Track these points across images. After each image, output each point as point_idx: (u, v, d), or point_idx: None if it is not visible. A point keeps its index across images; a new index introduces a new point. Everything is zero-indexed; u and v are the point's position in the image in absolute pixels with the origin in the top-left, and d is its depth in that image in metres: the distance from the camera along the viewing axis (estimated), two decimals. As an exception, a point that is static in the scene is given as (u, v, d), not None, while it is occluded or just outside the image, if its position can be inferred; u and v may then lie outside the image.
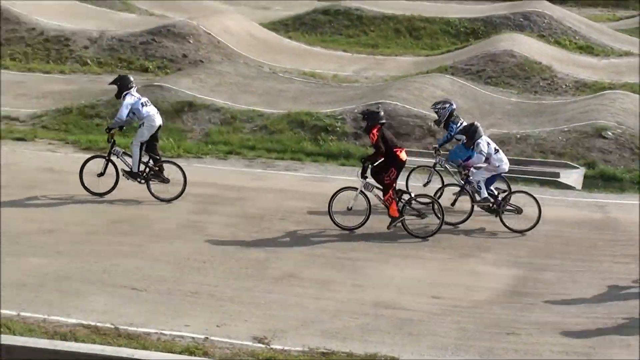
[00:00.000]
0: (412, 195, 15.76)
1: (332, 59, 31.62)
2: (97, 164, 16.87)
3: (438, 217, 15.61)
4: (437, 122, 17.68)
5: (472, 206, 16.27)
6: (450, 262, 14.40)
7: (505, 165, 16.40)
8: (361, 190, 15.62)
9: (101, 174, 16.84)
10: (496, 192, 16.24)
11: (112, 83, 17.25)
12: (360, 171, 15.58)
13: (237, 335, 11.29)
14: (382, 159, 15.39)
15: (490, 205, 16.16)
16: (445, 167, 17.28)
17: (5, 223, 14.85)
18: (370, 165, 15.46)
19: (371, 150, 16.21)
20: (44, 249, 13.87)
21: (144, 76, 27.16)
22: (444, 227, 15.59)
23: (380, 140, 15.34)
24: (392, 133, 17.18)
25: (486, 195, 16.09)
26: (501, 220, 15.99)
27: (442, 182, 17.27)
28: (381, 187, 15.51)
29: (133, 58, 29.29)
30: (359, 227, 15.59)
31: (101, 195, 16.76)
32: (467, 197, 16.34)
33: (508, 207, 16.27)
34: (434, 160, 17.56)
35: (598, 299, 12.88)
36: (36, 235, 14.44)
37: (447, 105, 17.36)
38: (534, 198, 16.07)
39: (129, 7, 38.24)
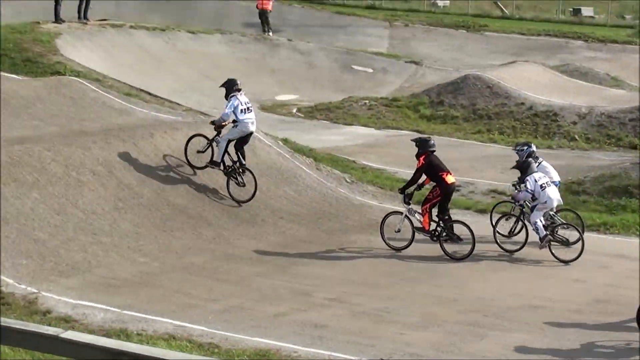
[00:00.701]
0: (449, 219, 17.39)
1: None
2: (200, 142, 19.28)
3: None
4: (517, 162, 18.38)
5: (527, 236, 17.46)
6: None
7: (553, 202, 17.40)
8: (406, 215, 17.54)
9: (200, 152, 19.21)
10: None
11: (221, 86, 19.29)
12: (402, 199, 17.67)
13: None
14: (422, 182, 17.57)
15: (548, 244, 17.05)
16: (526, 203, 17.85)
17: (486, 297, 14.95)
18: (408, 192, 17.49)
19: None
20: (528, 325, 13.70)
21: (632, 153, 26.30)
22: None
23: (424, 167, 17.32)
24: None
25: (544, 234, 17.13)
26: (550, 251, 17.00)
27: (523, 216, 17.90)
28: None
29: (621, 134, 28.55)
30: (406, 247, 17.34)
31: (195, 169, 19.13)
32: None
33: (557, 239, 17.40)
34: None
35: None
36: (522, 311, 14.31)
37: (526, 147, 18.71)
38: (579, 231, 17.26)
39: (619, 83, 37.53)
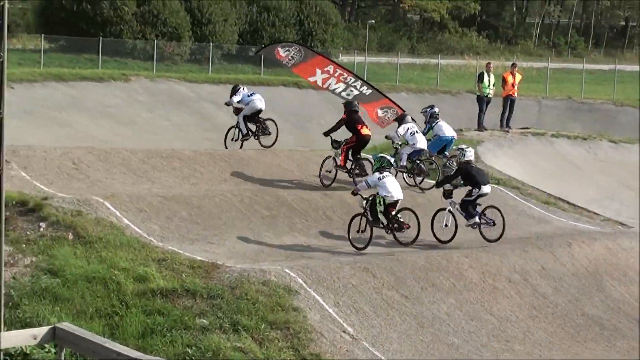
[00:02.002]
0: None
1: None
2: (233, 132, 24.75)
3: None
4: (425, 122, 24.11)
5: (397, 171, 21.02)
6: None
7: (419, 144, 22.66)
8: (333, 157, 22.34)
9: (234, 139, 24.71)
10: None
11: (231, 94, 24.95)
12: (331, 145, 22.50)
13: None
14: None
15: (405, 171, 22.71)
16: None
17: None
18: (333, 139, 22.42)
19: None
20: None
21: None
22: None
23: (344, 119, 22.31)
24: None
25: (404, 164, 22.63)
26: (413, 180, 22.75)
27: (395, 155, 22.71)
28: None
29: None
30: (330, 184, 22.01)
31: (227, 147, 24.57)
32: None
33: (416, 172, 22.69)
34: None
35: None
36: None
37: (429, 109, 24.35)
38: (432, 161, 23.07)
39: None
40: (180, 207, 18.34)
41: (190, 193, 19.56)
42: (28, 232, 15.84)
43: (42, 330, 8.51)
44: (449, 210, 19.58)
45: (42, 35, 55.44)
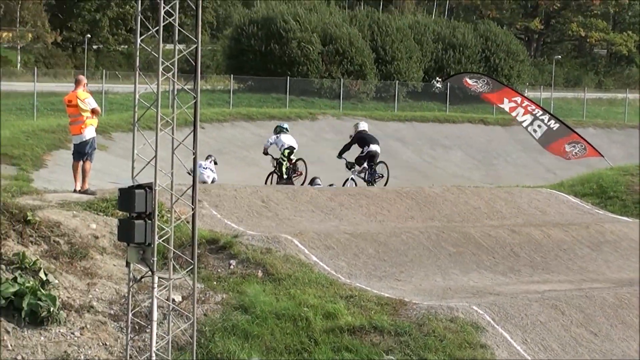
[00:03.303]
0: None
1: None
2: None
3: None
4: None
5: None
6: None
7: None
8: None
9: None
10: None
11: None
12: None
13: None
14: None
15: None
16: None
17: None
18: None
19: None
20: None
21: None
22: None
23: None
24: None
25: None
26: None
27: None
28: None
29: None
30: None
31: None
32: None
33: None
34: None
35: None
36: None
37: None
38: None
39: None
40: (367, 244, 18.51)
41: (377, 230, 19.71)
42: (219, 270, 16.33)
43: (234, 365, 8.76)
44: (352, 178, 25.24)
45: (232, 75, 57.38)
